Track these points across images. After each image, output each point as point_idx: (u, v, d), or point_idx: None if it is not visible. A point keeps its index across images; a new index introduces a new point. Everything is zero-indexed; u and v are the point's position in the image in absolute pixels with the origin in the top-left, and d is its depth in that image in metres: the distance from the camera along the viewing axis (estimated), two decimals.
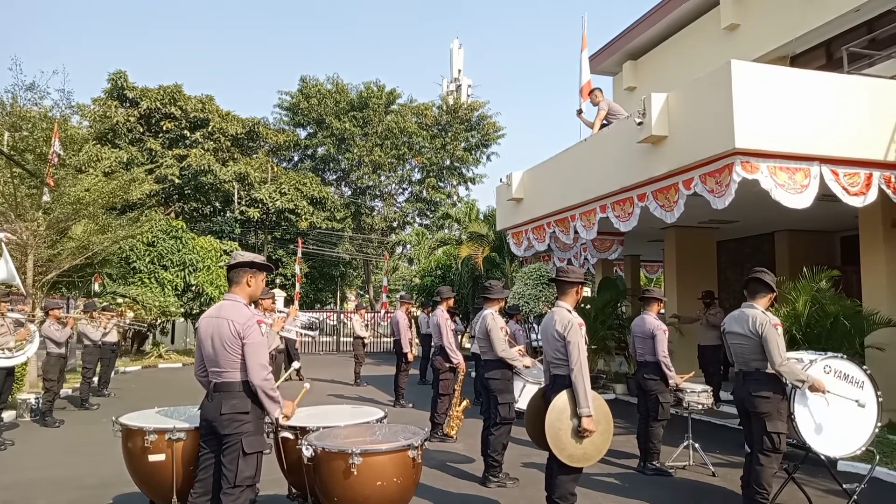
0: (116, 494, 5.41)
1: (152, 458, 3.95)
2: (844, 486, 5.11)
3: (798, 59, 11.46)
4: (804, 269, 7.98)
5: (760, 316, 4.61)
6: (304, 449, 3.80)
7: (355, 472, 3.63)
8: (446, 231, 32.74)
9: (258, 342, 3.62)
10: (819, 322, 7.47)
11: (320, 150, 35.48)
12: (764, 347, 4.52)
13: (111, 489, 5.52)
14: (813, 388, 4.63)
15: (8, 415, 8.83)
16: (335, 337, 25.00)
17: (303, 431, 4.13)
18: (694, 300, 10.76)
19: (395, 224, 37.16)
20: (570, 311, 4.42)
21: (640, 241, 13.11)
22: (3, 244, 9.77)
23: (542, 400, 4.43)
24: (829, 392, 4.72)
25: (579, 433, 4.11)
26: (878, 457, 5.47)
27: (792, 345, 7.07)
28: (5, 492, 5.67)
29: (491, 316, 6.16)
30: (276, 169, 32.29)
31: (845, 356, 5.12)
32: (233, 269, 3.77)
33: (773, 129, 6.79)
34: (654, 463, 6.29)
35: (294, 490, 4.49)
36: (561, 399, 4.19)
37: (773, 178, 6.83)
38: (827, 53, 11.26)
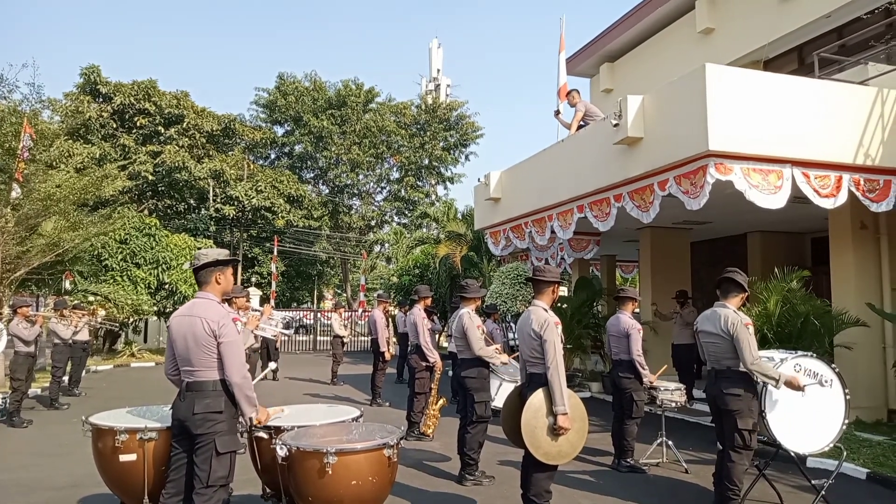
0: (86, 495, 5.31)
1: (123, 458, 3.89)
2: (813, 481, 5.21)
3: (771, 64, 11.67)
4: (776, 269, 8.12)
5: (732, 315, 4.68)
6: (278, 448, 3.75)
7: (330, 472, 3.60)
8: (424, 230, 32.70)
9: (235, 340, 3.58)
10: (790, 321, 7.62)
11: (298, 148, 35.15)
12: (735, 347, 4.59)
13: (81, 490, 5.43)
14: (789, 385, 4.71)
15: None
16: (311, 335, 24.84)
17: (277, 431, 4.09)
18: (668, 300, 10.91)
19: (373, 223, 36.98)
20: (546, 310, 4.45)
21: (615, 241, 13.24)
22: None
23: (519, 398, 4.45)
24: (805, 386, 4.81)
25: (555, 431, 4.14)
26: (845, 453, 5.58)
27: (763, 344, 7.20)
28: None
29: (468, 315, 6.17)
30: (252, 166, 31.90)
31: (815, 355, 5.23)
32: (199, 270, 3.72)
33: (746, 132, 6.90)
34: (629, 460, 6.36)
35: (268, 490, 4.44)
36: (537, 397, 4.21)
37: (746, 180, 6.95)
38: (799, 58, 11.49)
